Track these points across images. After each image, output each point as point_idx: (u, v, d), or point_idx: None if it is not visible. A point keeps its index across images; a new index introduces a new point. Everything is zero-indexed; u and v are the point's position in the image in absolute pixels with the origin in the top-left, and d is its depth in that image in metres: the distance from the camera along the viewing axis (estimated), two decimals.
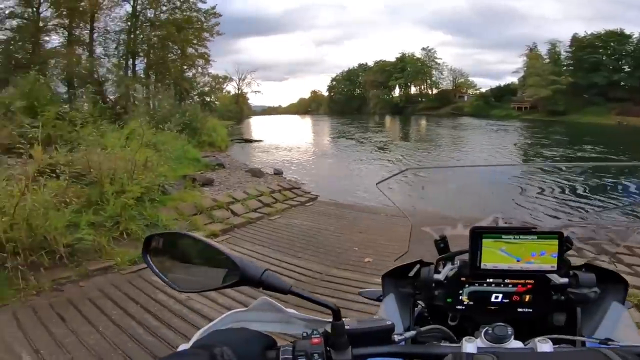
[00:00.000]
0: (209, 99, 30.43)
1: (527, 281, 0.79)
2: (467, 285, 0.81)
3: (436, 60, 62.12)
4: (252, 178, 8.83)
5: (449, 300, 0.82)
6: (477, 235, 0.76)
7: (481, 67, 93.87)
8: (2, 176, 3.32)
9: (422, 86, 64.41)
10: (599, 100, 38.03)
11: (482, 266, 0.77)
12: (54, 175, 4.74)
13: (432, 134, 25.92)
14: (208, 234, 4.65)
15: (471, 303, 0.82)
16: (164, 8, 22.45)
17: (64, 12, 19.50)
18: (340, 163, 14.22)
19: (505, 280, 0.80)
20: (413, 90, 65.63)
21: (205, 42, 24.40)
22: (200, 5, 23.28)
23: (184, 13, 22.97)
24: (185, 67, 24.97)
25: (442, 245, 0.95)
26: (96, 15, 20.48)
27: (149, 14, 22.26)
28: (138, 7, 21.53)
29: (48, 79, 18.21)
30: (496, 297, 0.80)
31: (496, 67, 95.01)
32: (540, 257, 0.74)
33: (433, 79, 62.91)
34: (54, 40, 20.35)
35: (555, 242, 0.74)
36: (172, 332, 2.56)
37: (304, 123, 49.12)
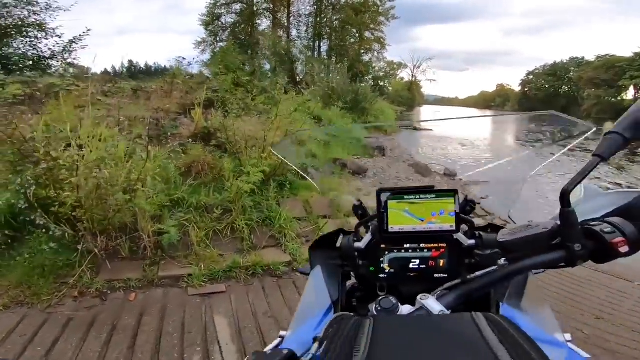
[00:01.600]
0: (382, 84, 29.87)
1: (440, 244, 0.75)
2: (387, 252, 0.77)
3: None
4: (414, 175, 6.85)
5: (371, 269, 0.77)
6: (383, 197, 0.73)
7: None
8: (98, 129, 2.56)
9: None
10: None
11: (390, 229, 0.74)
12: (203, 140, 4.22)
13: None
14: None
15: (392, 271, 0.77)
16: None
17: None
18: (535, 173, 10.19)
19: (421, 245, 0.75)
20: None
21: (381, 27, 24.05)
22: None
23: None
24: (362, 50, 25.08)
25: (360, 211, 0.85)
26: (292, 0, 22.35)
27: None
28: None
29: (259, 57, 21.40)
30: (414, 263, 0.75)
31: None
32: (440, 216, 0.72)
33: None
34: (264, 23, 23.44)
35: (452, 199, 0.71)
36: None
37: (484, 118, 42.09)
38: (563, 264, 0.55)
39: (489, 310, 0.63)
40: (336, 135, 8.28)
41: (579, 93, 54.98)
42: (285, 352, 0.47)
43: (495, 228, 0.79)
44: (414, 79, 48.15)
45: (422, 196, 0.71)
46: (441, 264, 0.74)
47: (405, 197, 0.72)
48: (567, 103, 54.40)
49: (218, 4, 23.22)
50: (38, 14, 9.24)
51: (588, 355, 0.56)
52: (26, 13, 9.15)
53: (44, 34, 9.29)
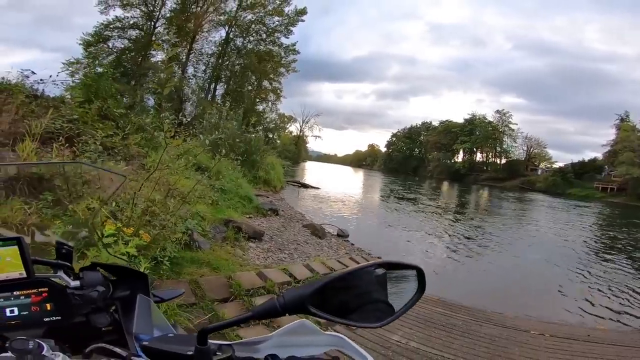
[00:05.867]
0: (271, 136, 30.53)
1: (40, 290, 0.71)
2: None
3: (510, 125, 55.97)
4: (311, 238, 6.69)
5: None
6: None
7: (556, 136, 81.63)
8: None
9: (490, 153, 58.68)
10: None
11: None
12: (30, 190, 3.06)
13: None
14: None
15: None
16: (251, 38, 23.29)
17: (173, 31, 20.55)
18: (414, 230, 11.47)
19: (15, 292, 0.70)
20: (479, 157, 60.12)
21: (280, 78, 24.68)
22: (283, 40, 23.73)
23: (267, 46, 23.58)
24: (257, 99, 25.28)
25: None
26: (197, 37, 21.37)
27: (238, 42, 23.15)
28: (231, 34, 22.53)
29: (144, 90, 18.78)
30: (12, 312, 0.70)
31: (575, 139, 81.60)
32: (7, 264, 0.68)
33: (504, 146, 56.34)
34: (159, 55, 21.28)
35: (16, 248, 0.68)
36: None
37: (358, 177, 46.87)
38: None
39: None
40: (226, 191, 7.61)
41: (426, 155, 63.87)
42: None
43: (103, 266, 0.80)
44: (301, 133, 50.92)
45: None
46: (48, 308, 0.71)
47: None
48: (417, 165, 62.59)
49: (111, 26, 20.21)
50: None
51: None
52: None
53: None
